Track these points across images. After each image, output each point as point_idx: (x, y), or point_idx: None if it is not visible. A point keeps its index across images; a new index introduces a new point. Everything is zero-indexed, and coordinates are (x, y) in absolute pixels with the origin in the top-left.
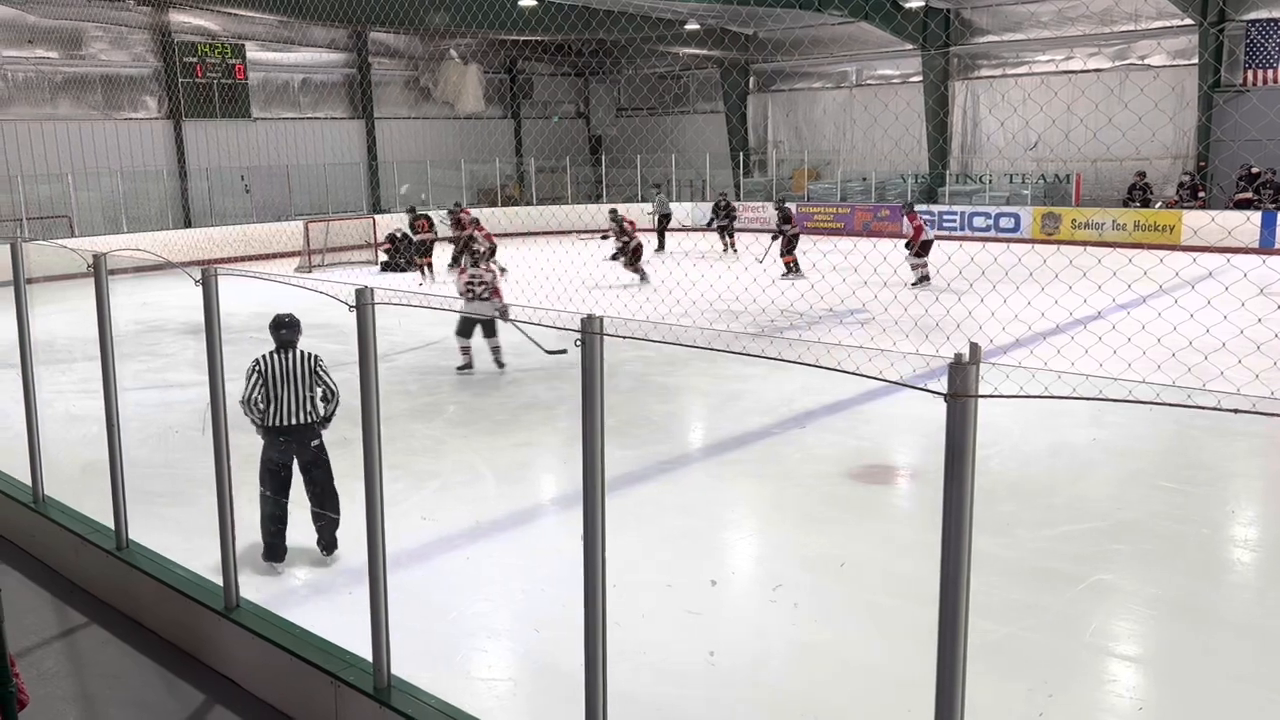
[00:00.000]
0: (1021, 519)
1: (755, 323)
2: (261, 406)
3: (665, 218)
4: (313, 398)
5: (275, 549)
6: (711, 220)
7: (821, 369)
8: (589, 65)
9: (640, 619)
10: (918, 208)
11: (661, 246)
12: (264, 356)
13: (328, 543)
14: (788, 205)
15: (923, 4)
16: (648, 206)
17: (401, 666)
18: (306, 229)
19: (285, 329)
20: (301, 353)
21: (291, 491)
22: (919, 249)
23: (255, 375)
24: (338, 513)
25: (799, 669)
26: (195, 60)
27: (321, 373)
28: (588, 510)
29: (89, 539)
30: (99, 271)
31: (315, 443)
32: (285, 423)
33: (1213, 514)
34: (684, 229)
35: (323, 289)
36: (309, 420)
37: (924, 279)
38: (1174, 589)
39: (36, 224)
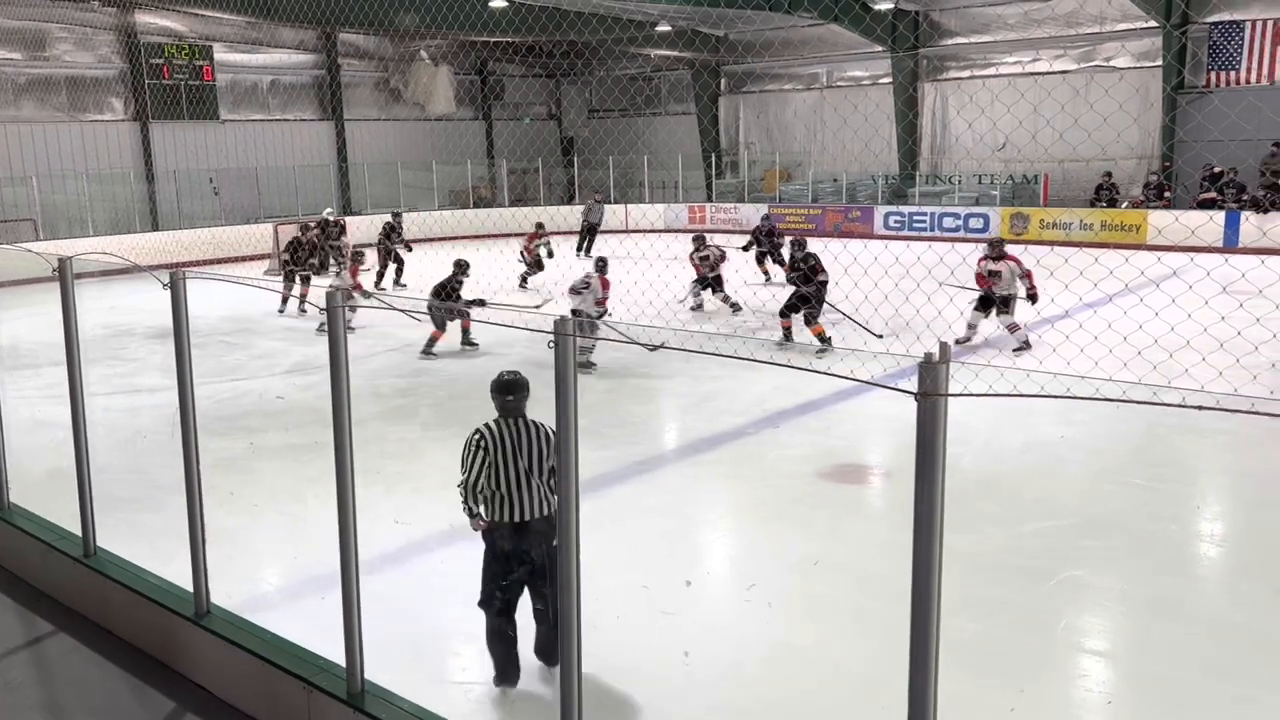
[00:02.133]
0: (992, 516)
1: (728, 323)
2: (489, 493)
3: (594, 226)
4: (552, 483)
5: (508, 672)
6: (750, 244)
7: (794, 369)
8: (560, 67)
9: (615, 620)
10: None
11: (585, 251)
12: (488, 428)
13: (552, 655)
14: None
15: (892, 6)
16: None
17: (375, 671)
18: (276, 231)
19: (514, 393)
20: (533, 424)
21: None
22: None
23: (479, 452)
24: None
25: (773, 668)
26: (162, 62)
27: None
28: (562, 512)
29: (56, 546)
30: (65, 275)
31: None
32: (525, 517)
33: (1180, 510)
34: (655, 230)
35: (293, 291)
36: (550, 512)
37: (1025, 344)
38: (1143, 584)
39: (0, 227)
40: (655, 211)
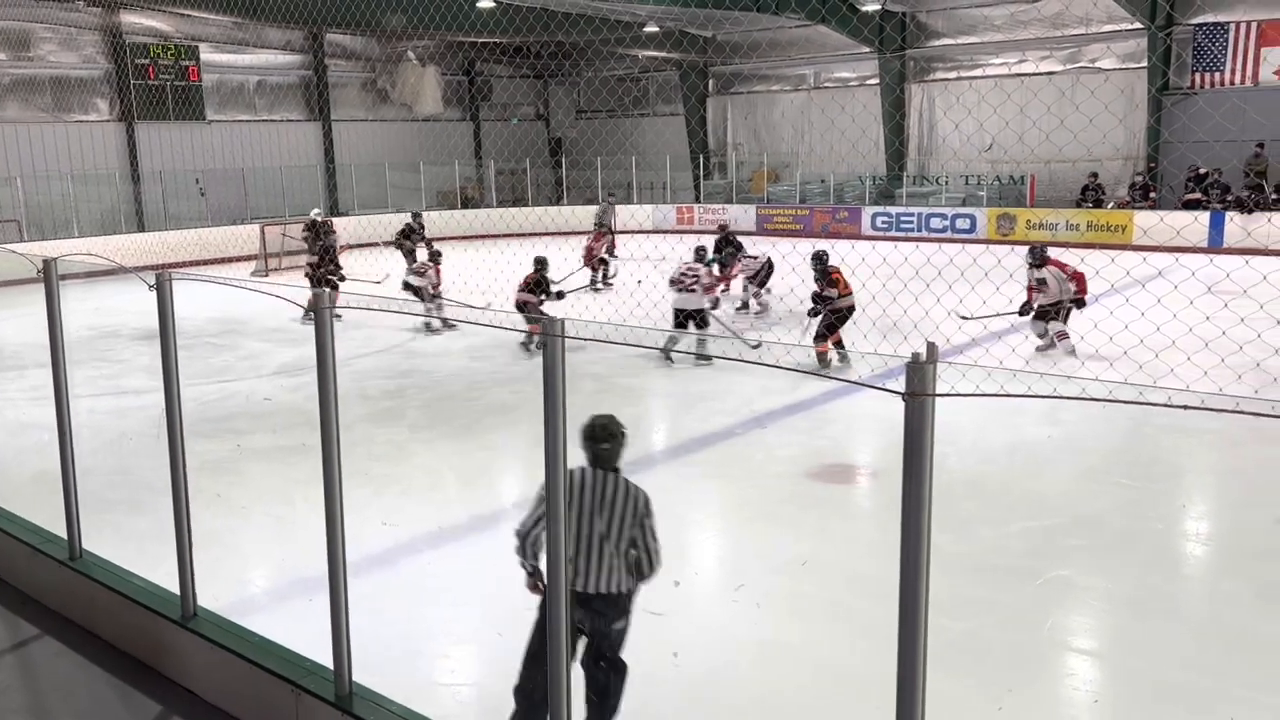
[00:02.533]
0: (980, 516)
1: (715, 324)
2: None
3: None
4: (636, 557)
5: None
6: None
7: (782, 369)
8: (548, 67)
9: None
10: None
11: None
12: (570, 475)
13: None
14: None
15: (878, 8)
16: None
17: (363, 673)
18: (263, 232)
19: (608, 440)
20: (626, 483)
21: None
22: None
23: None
24: (614, 702)
25: (762, 668)
26: (147, 62)
27: (649, 521)
28: (551, 513)
29: (41, 549)
30: (50, 276)
31: (620, 624)
32: (589, 589)
33: (1166, 509)
34: (644, 231)
35: (279, 293)
36: (620, 589)
37: (1073, 353)
38: (1129, 583)
39: None
40: (643, 212)
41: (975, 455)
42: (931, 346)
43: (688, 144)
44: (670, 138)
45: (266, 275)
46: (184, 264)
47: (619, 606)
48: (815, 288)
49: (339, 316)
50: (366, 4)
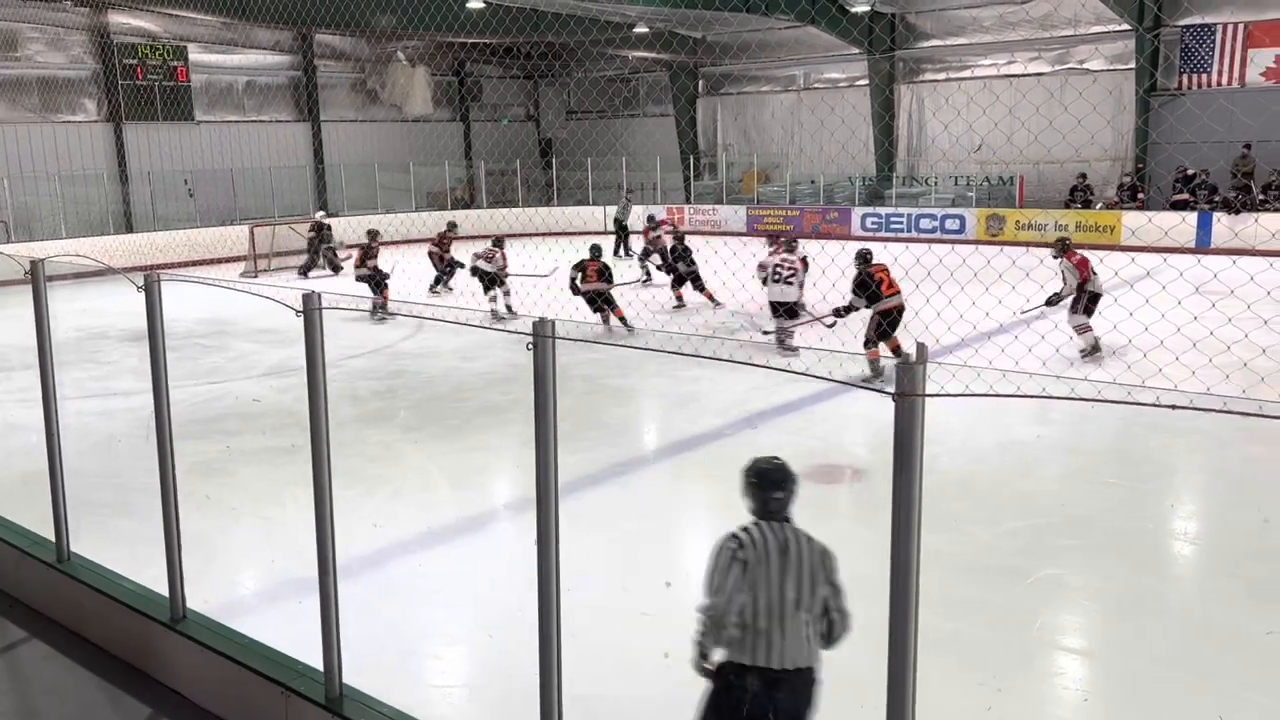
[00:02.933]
0: (970, 516)
1: (707, 324)
2: (744, 622)
3: (626, 224)
4: (822, 620)
5: None
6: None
7: (772, 370)
8: (538, 68)
9: (595, 622)
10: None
11: (625, 250)
12: (748, 535)
13: None
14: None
15: (868, 9)
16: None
17: (354, 675)
18: (252, 233)
19: (784, 488)
20: (803, 536)
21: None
22: (1087, 302)
23: (736, 567)
24: None
25: None
26: (135, 62)
27: (836, 578)
28: (541, 514)
29: (29, 552)
30: (37, 277)
31: (814, 703)
32: (783, 665)
33: (1155, 508)
34: (634, 232)
35: (269, 294)
36: (813, 662)
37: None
38: (1119, 582)
39: None
40: (634, 213)
41: (965, 455)
42: (921, 347)
43: (678, 145)
44: (660, 138)
45: (256, 276)
46: (172, 265)
47: (812, 681)
48: (852, 286)
49: (393, 315)
50: (356, 4)
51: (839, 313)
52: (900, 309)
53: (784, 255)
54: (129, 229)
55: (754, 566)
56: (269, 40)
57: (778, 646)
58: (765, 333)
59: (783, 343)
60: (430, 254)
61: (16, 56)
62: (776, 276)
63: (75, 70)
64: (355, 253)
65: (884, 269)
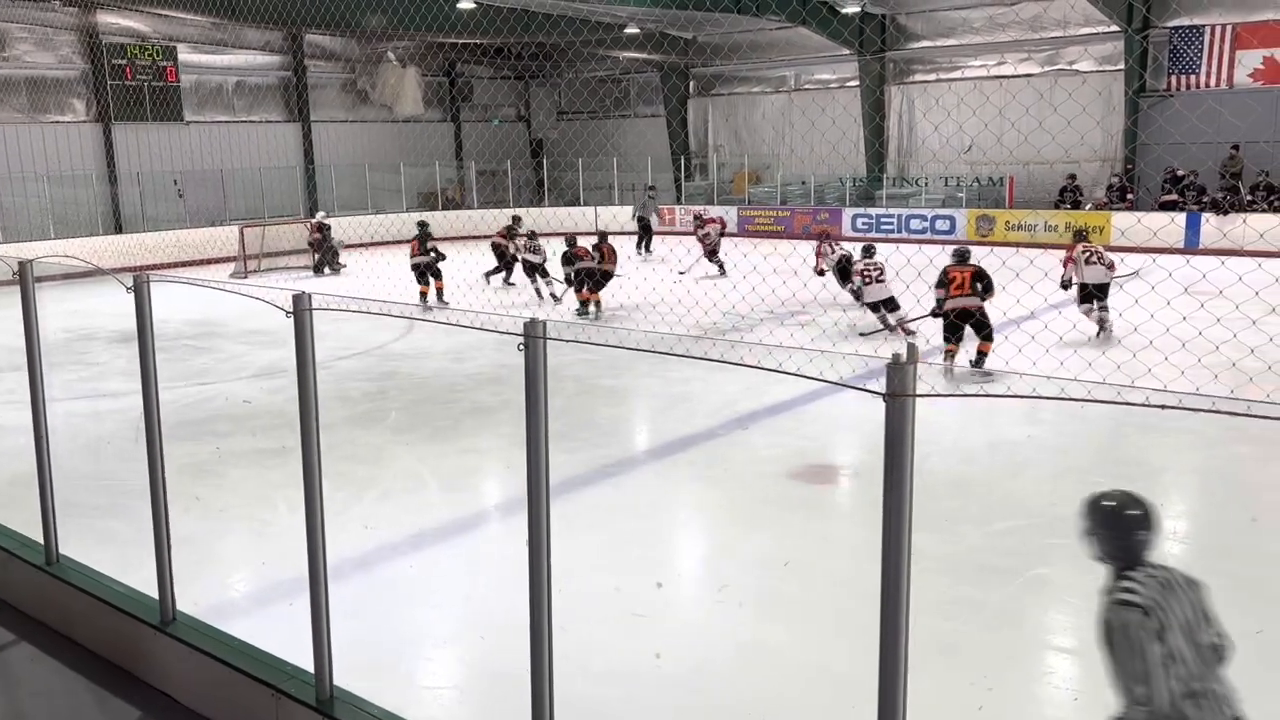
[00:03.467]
0: (960, 516)
1: (698, 325)
2: (1190, 690)
3: (649, 223)
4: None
5: None
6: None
7: (764, 370)
8: (529, 68)
9: (586, 623)
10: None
11: (646, 248)
12: (1144, 590)
13: None
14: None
15: (859, 10)
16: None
17: (344, 677)
18: (242, 234)
19: (1149, 526)
20: (1173, 570)
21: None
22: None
23: (1147, 638)
24: None
25: (744, 669)
26: (125, 62)
27: (1209, 603)
28: (532, 515)
29: (17, 554)
30: (25, 278)
31: None
32: (1238, 713)
33: None
34: (626, 233)
35: (258, 295)
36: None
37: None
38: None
39: None
40: (625, 213)
41: (956, 455)
42: (912, 347)
43: (669, 145)
44: (651, 139)
45: (245, 277)
46: (162, 266)
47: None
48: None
49: (445, 304)
50: (346, 5)
51: (935, 313)
52: (967, 310)
53: (866, 260)
54: (118, 230)
55: (1168, 631)
56: (259, 40)
57: (1224, 697)
58: (863, 334)
59: (903, 327)
60: (494, 245)
61: (4, 56)
62: (867, 279)
63: (64, 70)
64: (412, 244)
65: (956, 269)
